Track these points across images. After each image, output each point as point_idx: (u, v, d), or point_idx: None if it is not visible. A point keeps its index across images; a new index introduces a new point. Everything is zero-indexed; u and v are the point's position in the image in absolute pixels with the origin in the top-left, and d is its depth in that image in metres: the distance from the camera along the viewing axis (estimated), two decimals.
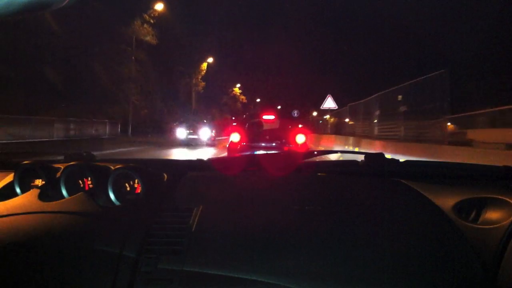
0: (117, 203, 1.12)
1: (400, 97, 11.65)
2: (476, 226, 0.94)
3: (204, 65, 35.40)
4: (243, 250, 0.90)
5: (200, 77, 35.42)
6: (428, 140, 8.98)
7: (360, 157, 1.37)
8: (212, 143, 17.64)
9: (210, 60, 35.73)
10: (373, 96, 13.75)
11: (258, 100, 58.70)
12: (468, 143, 8.62)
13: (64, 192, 1.18)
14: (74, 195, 1.16)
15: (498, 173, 1.20)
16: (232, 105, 47.93)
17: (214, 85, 40.73)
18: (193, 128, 17.80)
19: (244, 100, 50.35)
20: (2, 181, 1.33)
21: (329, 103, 17.60)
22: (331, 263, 0.86)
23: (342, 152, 2.58)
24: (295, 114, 22.59)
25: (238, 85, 49.21)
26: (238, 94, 49.26)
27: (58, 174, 1.22)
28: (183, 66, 31.72)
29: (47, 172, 1.27)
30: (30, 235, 1.02)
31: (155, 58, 24.92)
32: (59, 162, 1.46)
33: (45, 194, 1.17)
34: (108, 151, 11.96)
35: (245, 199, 1.10)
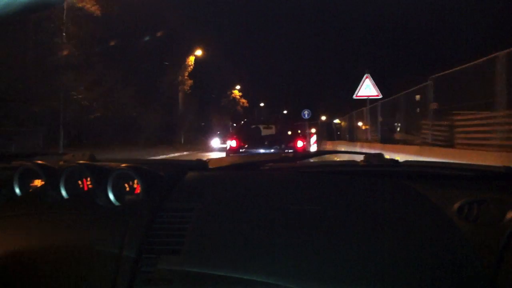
0: (117, 203, 1.12)
1: None
2: (476, 226, 0.94)
3: (191, 59, 28.38)
4: (243, 250, 0.90)
5: (187, 74, 28.23)
6: None
7: (360, 157, 1.37)
8: None
9: (199, 53, 28.42)
10: None
11: (261, 104, 54.18)
12: None
13: (63, 192, 1.17)
14: (74, 196, 1.16)
15: (498, 173, 1.20)
16: (232, 109, 41.93)
17: (210, 86, 35.22)
18: None
19: (246, 104, 44.29)
20: (2, 181, 1.33)
21: (368, 89, 10.39)
22: (331, 263, 0.86)
23: (341, 152, 2.58)
24: (306, 115, 19.63)
25: (238, 87, 43.60)
26: (239, 97, 43.53)
27: (58, 175, 1.22)
28: (167, 59, 25.08)
29: (47, 172, 1.27)
30: (30, 236, 1.02)
31: (121, 46, 18.20)
32: (58, 162, 1.46)
33: (45, 195, 1.17)
34: None
35: (245, 199, 1.10)
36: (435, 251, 0.89)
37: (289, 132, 8.21)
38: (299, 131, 9.39)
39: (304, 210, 1.01)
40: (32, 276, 0.93)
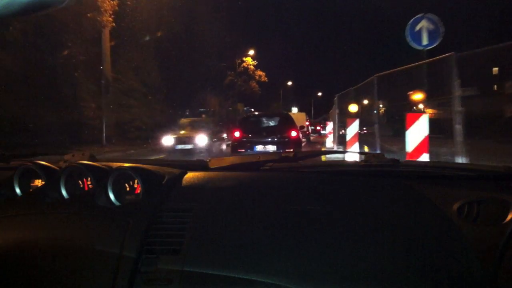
0: (117, 203, 1.12)
1: None
2: (476, 226, 0.94)
3: None
4: (243, 250, 0.90)
5: (109, 5, 13.24)
6: None
7: (360, 157, 1.37)
8: None
9: None
10: None
11: (289, 83, 41.59)
12: None
13: (64, 192, 1.18)
14: (74, 196, 1.16)
15: (498, 173, 1.20)
16: (246, 88, 27.47)
17: (209, 51, 21.84)
18: None
19: (264, 78, 28.42)
20: (2, 181, 1.33)
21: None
22: (331, 263, 0.86)
23: (343, 152, 2.59)
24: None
25: (252, 53, 28.42)
26: (253, 67, 28.17)
27: (58, 175, 1.22)
28: None
29: (47, 172, 1.27)
30: (30, 236, 1.02)
31: None
32: (58, 162, 1.46)
33: (45, 194, 1.17)
34: None
35: (245, 199, 1.10)
36: (435, 251, 0.89)
37: (286, 124, 9.21)
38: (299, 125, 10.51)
39: (304, 210, 1.01)
40: (32, 276, 0.93)
